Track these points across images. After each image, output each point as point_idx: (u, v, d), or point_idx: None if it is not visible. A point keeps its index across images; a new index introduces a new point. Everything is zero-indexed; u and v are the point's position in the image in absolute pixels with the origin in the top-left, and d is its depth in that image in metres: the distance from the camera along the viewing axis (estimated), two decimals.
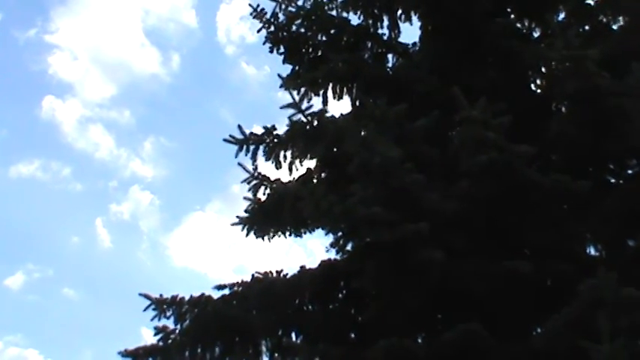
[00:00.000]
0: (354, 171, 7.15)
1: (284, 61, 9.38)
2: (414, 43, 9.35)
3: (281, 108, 8.43)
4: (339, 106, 9.11)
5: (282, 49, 9.38)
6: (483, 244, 7.07)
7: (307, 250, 19.58)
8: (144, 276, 19.68)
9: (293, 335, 8.05)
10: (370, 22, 9.44)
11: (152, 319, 8.14)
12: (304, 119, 8.44)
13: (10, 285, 20.88)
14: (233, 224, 8.98)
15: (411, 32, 9.39)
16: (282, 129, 8.69)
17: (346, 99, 8.93)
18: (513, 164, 6.90)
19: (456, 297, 7.00)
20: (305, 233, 8.95)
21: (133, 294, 8.31)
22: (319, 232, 8.36)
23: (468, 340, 6.57)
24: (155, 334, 8.10)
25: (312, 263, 8.20)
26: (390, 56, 9.43)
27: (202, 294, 8.22)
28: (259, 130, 8.75)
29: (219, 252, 21.23)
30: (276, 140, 8.71)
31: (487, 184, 7.00)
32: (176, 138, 22.90)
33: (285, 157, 8.71)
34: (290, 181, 8.81)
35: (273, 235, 9.03)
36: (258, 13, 9.41)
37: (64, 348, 19.79)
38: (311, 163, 8.72)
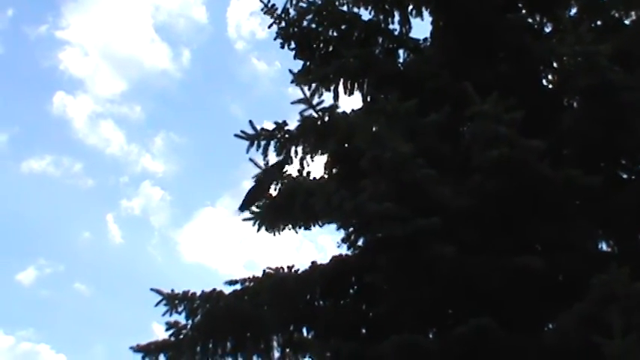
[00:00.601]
0: (365, 166, 7.15)
1: (295, 57, 9.39)
2: (425, 39, 9.34)
3: (292, 103, 8.46)
4: (351, 102, 9.11)
5: (293, 45, 9.37)
6: (495, 240, 7.05)
7: (318, 246, 19.60)
8: (154, 271, 19.74)
9: (304, 331, 8.06)
10: (381, 17, 9.42)
11: (163, 315, 8.15)
12: (315, 115, 8.45)
13: (22, 280, 21.00)
14: (244, 219, 8.98)
15: (422, 27, 9.41)
16: (293, 124, 8.70)
17: (357, 94, 8.93)
18: (525, 159, 6.89)
19: (468, 292, 6.99)
20: (315, 226, 8.92)
21: (144, 289, 8.34)
22: (330, 227, 8.38)
23: (480, 335, 6.56)
24: (167, 330, 8.11)
25: (323, 259, 8.20)
26: (401, 52, 9.41)
27: (214, 289, 8.23)
28: (270, 126, 8.75)
29: (229, 247, 21.27)
30: (287, 136, 8.71)
31: (499, 179, 6.99)
32: (187, 133, 22.94)
33: (296, 152, 8.71)
34: (301, 177, 8.80)
35: (283, 228, 9.01)
36: (268, 9, 9.42)
37: (75, 343, 19.87)
38: (322, 159, 8.72)
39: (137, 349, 8.11)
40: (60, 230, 21.57)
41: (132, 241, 21.50)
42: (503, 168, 6.94)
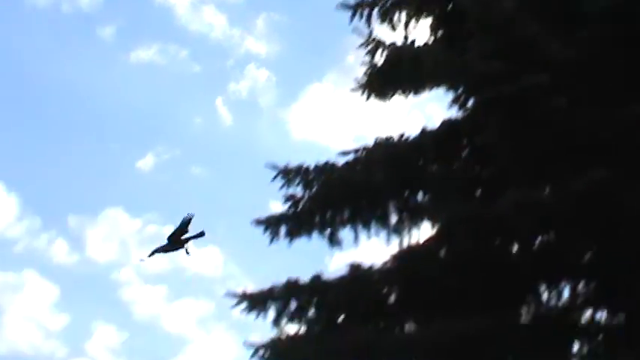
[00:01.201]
0: (471, 26, 7.04)
1: None
2: None
3: None
4: None
5: None
6: (608, 90, 6.90)
7: (426, 116, 19.43)
8: (266, 151, 19.95)
9: (419, 195, 8.11)
10: None
11: (280, 189, 8.31)
12: None
13: (142, 167, 21.56)
14: (352, 90, 8.95)
15: None
16: None
17: None
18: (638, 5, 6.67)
19: (582, 146, 6.89)
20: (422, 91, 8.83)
21: (258, 169, 8.47)
22: (438, 94, 8.30)
23: (597, 187, 6.50)
24: (284, 202, 8.28)
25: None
26: None
27: (327, 161, 8.32)
28: None
29: (338, 122, 21.37)
30: (389, 2, 8.60)
31: (610, 28, 6.79)
32: (287, 12, 22.72)
33: (399, 18, 8.60)
34: (406, 44, 8.70)
35: (392, 95, 8.95)
36: None
37: (198, 223, 20.45)
38: (426, 23, 8.58)
39: (258, 222, 8.33)
40: (172, 117, 22.01)
41: (242, 123, 21.74)
42: (614, 16, 6.73)
